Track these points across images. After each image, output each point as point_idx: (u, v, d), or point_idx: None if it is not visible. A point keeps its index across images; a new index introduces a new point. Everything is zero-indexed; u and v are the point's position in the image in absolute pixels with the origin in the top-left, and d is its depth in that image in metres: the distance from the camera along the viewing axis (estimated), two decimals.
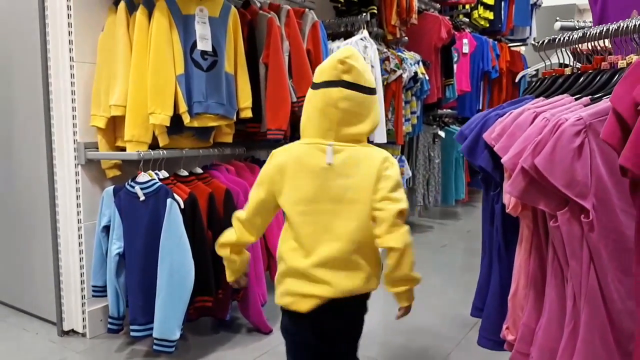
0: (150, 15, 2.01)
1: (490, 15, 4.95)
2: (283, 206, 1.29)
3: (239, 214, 1.36)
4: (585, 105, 1.17)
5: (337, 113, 1.24)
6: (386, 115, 3.28)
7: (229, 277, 1.43)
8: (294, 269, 1.26)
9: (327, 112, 1.24)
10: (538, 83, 1.49)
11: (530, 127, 1.17)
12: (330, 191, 1.25)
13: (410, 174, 3.81)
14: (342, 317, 1.29)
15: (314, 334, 1.29)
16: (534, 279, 1.27)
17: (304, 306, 1.24)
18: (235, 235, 1.36)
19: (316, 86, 1.28)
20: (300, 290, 1.25)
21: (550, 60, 1.48)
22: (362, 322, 1.35)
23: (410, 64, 3.47)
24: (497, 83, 5.06)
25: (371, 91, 1.28)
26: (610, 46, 1.41)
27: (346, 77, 1.23)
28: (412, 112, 3.64)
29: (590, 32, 1.33)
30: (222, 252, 1.39)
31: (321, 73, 1.27)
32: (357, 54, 1.27)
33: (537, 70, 1.81)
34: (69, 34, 2.09)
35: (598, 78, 1.28)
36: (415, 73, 3.48)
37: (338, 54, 1.25)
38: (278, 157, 1.31)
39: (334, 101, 1.23)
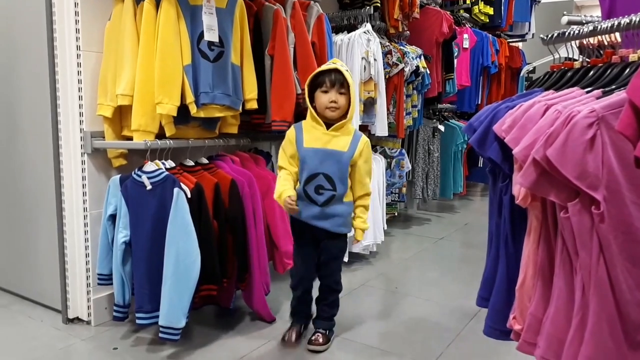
0: (157, 5, 2.01)
1: (490, 10, 4.97)
2: None
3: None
4: (597, 98, 1.18)
5: None
6: (387, 109, 3.29)
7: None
8: None
9: None
10: (546, 76, 1.50)
11: (541, 120, 1.18)
12: None
13: (410, 167, 3.83)
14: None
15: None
16: (542, 269, 1.28)
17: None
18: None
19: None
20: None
21: (559, 54, 1.50)
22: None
23: (412, 57, 3.48)
24: (496, 78, 5.09)
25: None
26: (618, 40, 1.43)
27: None
28: (413, 106, 3.65)
29: (602, 26, 1.34)
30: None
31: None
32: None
33: (535, 67, 1.83)
34: (76, 23, 2.09)
35: (609, 71, 1.29)
36: (417, 67, 3.49)
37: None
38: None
39: None
